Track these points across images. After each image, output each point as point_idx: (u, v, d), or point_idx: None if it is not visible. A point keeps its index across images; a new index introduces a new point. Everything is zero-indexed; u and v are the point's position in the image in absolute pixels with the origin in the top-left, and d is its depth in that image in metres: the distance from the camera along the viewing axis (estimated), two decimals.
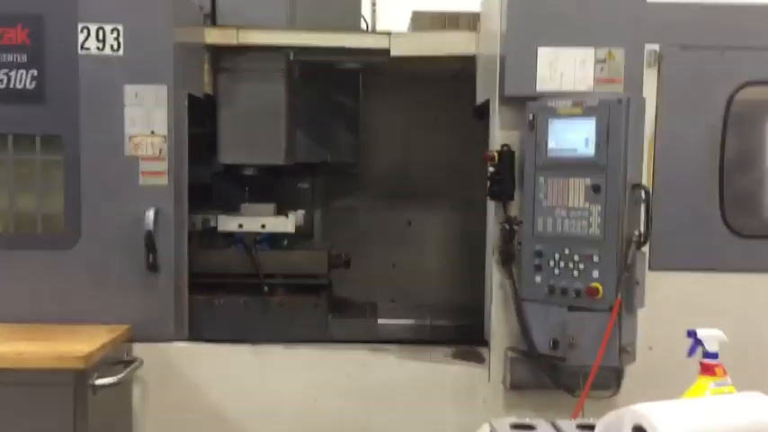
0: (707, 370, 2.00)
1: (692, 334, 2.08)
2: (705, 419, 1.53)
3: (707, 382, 1.97)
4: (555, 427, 1.76)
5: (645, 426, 1.50)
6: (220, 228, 3.70)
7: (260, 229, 3.72)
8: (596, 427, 1.68)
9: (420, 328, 3.81)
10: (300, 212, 3.93)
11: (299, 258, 3.79)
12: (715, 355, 2.02)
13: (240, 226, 3.71)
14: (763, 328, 3.30)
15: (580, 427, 1.74)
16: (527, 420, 1.79)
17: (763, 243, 3.36)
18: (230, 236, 3.72)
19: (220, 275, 3.65)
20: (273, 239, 3.76)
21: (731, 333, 2.69)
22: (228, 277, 3.66)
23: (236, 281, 3.65)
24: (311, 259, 3.80)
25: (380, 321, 3.79)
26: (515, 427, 1.75)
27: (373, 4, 5.50)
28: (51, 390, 2.61)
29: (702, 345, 2.04)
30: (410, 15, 4.38)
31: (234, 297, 3.58)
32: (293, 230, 3.80)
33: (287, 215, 3.80)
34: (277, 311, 3.57)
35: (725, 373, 2.01)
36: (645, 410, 1.51)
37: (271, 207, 3.81)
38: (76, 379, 2.66)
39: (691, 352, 2.08)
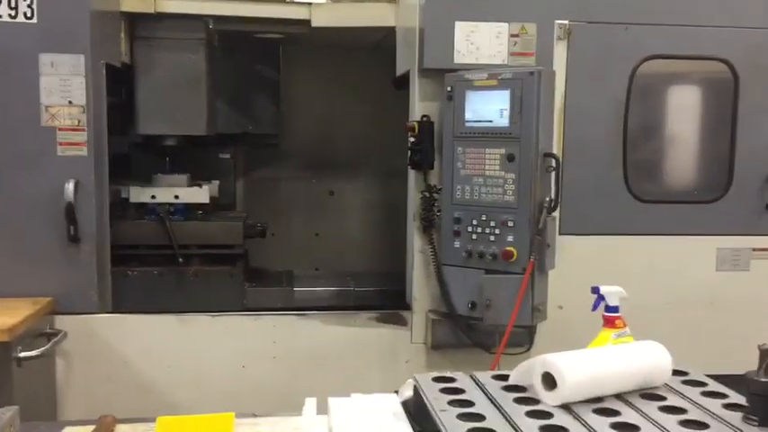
0: (608, 322, 2.18)
1: (595, 290, 2.26)
2: (603, 364, 1.70)
3: (609, 333, 2.15)
4: (473, 378, 1.90)
5: (552, 371, 1.65)
6: (133, 199, 3.66)
7: (173, 200, 3.70)
8: (511, 375, 1.83)
9: (344, 295, 3.91)
10: (215, 183, 3.93)
11: (213, 229, 3.78)
12: (615, 309, 2.20)
13: (153, 197, 3.68)
14: (662, 285, 3.55)
15: (495, 377, 1.88)
16: (447, 374, 1.92)
17: (662, 207, 3.61)
18: (144, 207, 3.69)
19: (135, 246, 3.61)
20: (188, 210, 3.74)
21: (635, 291, 2.93)
22: (143, 248, 3.63)
23: (151, 252, 3.62)
24: (226, 229, 3.80)
25: (296, 289, 3.87)
26: (436, 379, 1.88)
27: None
28: None
29: (604, 299, 2.22)
30: None
31: (149, 268, 3.57)
32: (207, 201, 3.79)
33: (201, 185, 3.80)
34: (193, 281, 3.58)
35: (624, 324, 2.20)
36: (552, 358, 1.67)
37: (184, 178, 3.79)
38: (1, 351, 2.64)
39: (594, 306, 2.27)
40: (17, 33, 3.03)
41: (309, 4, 3.78)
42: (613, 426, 1.57)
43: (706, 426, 1.57)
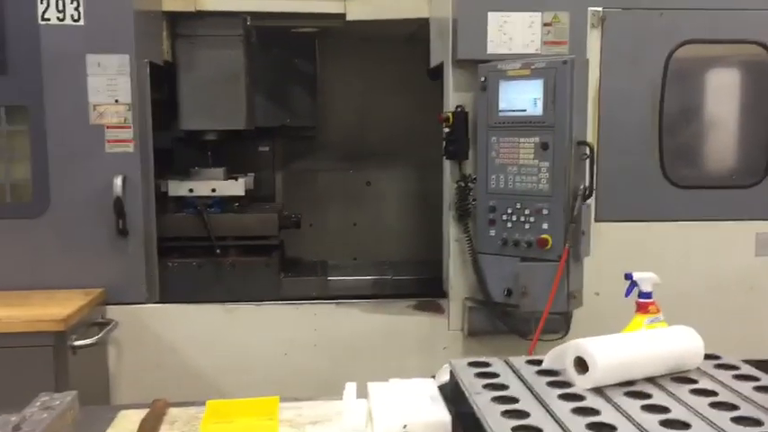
0: (641, 308, 2.22)
1: (628, 276, 2.30)
2: (634, 348, 1.74)
3: (642, 319, 2.19)
4: (507, 363, 1.96)
5: (584, 356, 1.70)
6: (171, 193, 3.79)
7: (210, 194, 3.82)
8: (544, 360, 1.88)
9: (381, 283, 4.00)
10: (251, 176, 4.04)
11: (249, 221, 3.89)
12: (649, 295, 2.24)
13: (191, 191, 3.80)
14: (700, 271, 3.55)
15: (529, 362, 1.93)
16: (482, 359, 1.98)
17: (698, 193, 3.60)
18: (183, 200, 3.80)
19: (175, 239, 3.73)
20: (225, 203, 3.85)
21: (672, 277, 2.95)
22: (183, 240, 3.75)
23: (191, 244, 3.75)
24: (261, 221, 3.90)
25: (331, 278, 3.96)
26: (471, 364, 1.95)
27: None
28: (33, 351, 2.72)
29: (638, 285, 2.25)
30: None
31: (188, 259, 3.70)
32: (242, 193, 3.90)
33: (236, 179, 3.90)
34: (230, 272, 3.69)
35: (658, 310, 2.23)
36: (583, 343, 1.71)
37: (221, 171, 3.91)
38: (56, 340, 2.79)
39: (627, 292, 2.30)
40: (65, 35, 3.17)
41: None
42: (644, 408, 1.61)
43: (736, 407, 1.60)
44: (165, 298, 3.47)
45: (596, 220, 3.49)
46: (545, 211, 3.07)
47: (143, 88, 3.33)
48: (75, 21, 3.16)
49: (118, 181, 3.22)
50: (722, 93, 3.70)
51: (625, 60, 3.48)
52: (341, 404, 1.93)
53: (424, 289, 3.77)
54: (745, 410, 1.60)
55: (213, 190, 3.79)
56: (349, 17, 3.80)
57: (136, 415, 1.96)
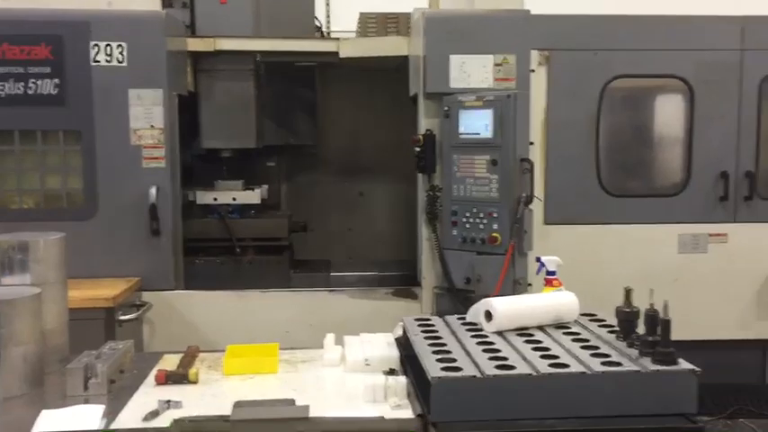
0: (548, 283, 2.94)
1: (538, 259, 3.03)
2: (525, 303, 2.49)
3: (548, 291, 2.91)
4: (443, 319, 2.70)
5: (490, 309, 2.45)
6: (199, 201, 4.53)
7: (231, 201, 4.56)
8: (467, 316, 2.63)
9: (370, 278, 4.73)
10: (265, 187, 4.77)
11: (263, 225, 4.60)
12: (553, 273, 2.95)
13: (215, 199, 4.55)
14: (630, 265, 4.22)
15: (458, 318, 2.67)
16: (425, 316, 2.73)
17: (630, 201, 4.33)
18: (207, 207, 4.55)
19: (201, 240, 4.46)
20: (243, 210, 4.58)
21: (609, 271, 3.62)
22: (208, 241, 4.49)
23: (214, 244, 4.48)
24: (274, 225, 4.63)
25: (332, 274, 4.71)
26: (417, 319, 2.69)
27: (327, 5, 6.35)
28: (88, 323, 3.42)
29: (545, 266, 2.98)
30: (357, 16, 5.23)
31: (212, 257, 4.44)
32: (259, 201, 4.64)
33: (253, 189, 4.65)
34: (248, 268, 4.43)
35: (560, 284, 2.93)
36: (490, 299, 2.47)
37: (239, 183, 4.65)
38: (107, 315, 3.54)
39: (538, 271, 3.04)
40: (112, 74, 3.93)
41: (338, 39, 4.61)
42: (527, 342, 2.36)
43: (587, 340, 2.35)
44: (191, 288, 4.19)
45: (545, 224, 4.23)
46: (495, 214, 3.79)
47: (173, 115, 4.08)
48: (119, 62, 3.93)
49: (152, 191, 3.97)
50: (649, 118, 4.45)
51: (567, 91, 4.22)
52: (323, 350, 2.68)
53: (404, 281, 4.49)
54: (594, 342, 2.35)
55: (234, 199, 4.51)
56: (342, 55, 4.50)
57: (175, 358, 2.71)
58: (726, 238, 4.36)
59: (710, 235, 4.34)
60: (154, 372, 2.50)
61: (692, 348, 2.30)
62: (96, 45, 3.91)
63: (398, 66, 4.68)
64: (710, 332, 4.35)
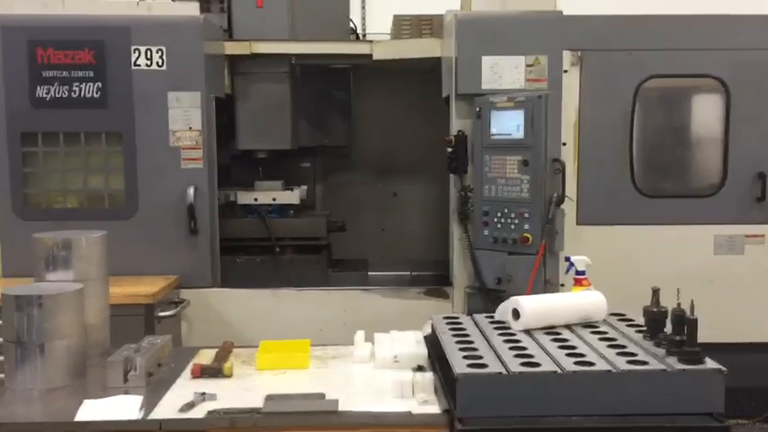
0: (577, 282, 2.95)
1: (567, 259, 3.05)
2: (553, 302, 2.51)
3: (578, 290, 2.92)
4: (471, 317, 2.74)
5: (517, 307, 2.48)
6: (240, 201, 4.63)
7: (271, 202, 4.66)
8: (495, 314, 2.66)
9: (404, 278, 4.79)
10: (303, 187, 4.86)
11: (302, 225, 4.70)
12: (582, 273, 2.97)
13: (255, 199, 4.65)
14: (665, 266, 4.18)
15: (486, 316, 2.71)
16: (453, 314, 2.76)
17: (664, 201, 4.30)
18: (248, 207, 4.66)
19: (241, 239, 4.57)
20: (282, 210, 4.68)
21: (641, 271, 3.60)
22: (248, 241, 4.59)
23: (254, 244, 4.58)
24: (313, 225, 4.72)
25: (370, 273, 4.77)
26: (445, 317, 2.73)
27: (363, 8, 6.44)
28: (128, 319, 3.54)
29: (574, 265, 2.99)
30: (391, 19, 5.29)
31: (252, 256, 4.53)
32: (298, 202, 4.73)
33: (292, 189, 4.74)
34: (287, 268, 4.52)
35: (589, 284, 2.95)
36: (518, 298, 2.50)
37: (279, 183, 4.75)
38: (146, 311, 3.65)
39: (567, 270, 3.05)
40: (151, 78, 4.05)
41: (371, 42, 4.67)
42: (554, 340, 2.38)
43: (614, 339, 2.37)
44: (229, 286, 4.27)
45: (577, 224, 4.23)
46: (526, 215, 3.81)
47: (210, 117, 4.19)
48: (159, 66, 4.05)
49: (191, 191, 4.08)
50: (684, 118, 4.41)
51: (600, 92, 4.21)
52: (353, 346, 2.74)
53: (436, 281, 4.53)
54: (622, 341, 2.36)
55: (274, 199, 4.61)
56: (375, 57, 4.57)
57: (210, 352, 2.80)
58: (763, 239, 4.31)
59: (747, 236, 4.29)
60: (190, 366, 2.59)
61: (728, 351, 2.31)
62: (137, 49, 4.03)
63: (431, 67, 4.72)
64: (747, 335, 4.31)
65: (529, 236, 3.79)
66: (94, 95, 4.03)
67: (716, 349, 2.25)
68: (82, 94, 4.03)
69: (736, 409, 4.35)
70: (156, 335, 2.95)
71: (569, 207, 4.01)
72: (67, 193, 4.17)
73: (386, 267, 4.99)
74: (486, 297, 4.03)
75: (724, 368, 2.13)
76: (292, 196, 4.71)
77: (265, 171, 4.88)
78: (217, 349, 2.81)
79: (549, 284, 3.82)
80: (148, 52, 4.03)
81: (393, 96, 5.40)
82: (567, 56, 4.11)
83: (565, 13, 4.06)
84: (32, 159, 4.11)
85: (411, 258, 5.20)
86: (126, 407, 2.16)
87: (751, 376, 4.34)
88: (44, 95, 4.01)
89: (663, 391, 2.10)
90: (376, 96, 5.43)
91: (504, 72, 3.99)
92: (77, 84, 4.02)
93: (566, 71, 4.10)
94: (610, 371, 2.11)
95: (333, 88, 5.31)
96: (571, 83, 4.17)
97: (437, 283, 4.47)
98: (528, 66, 3.98)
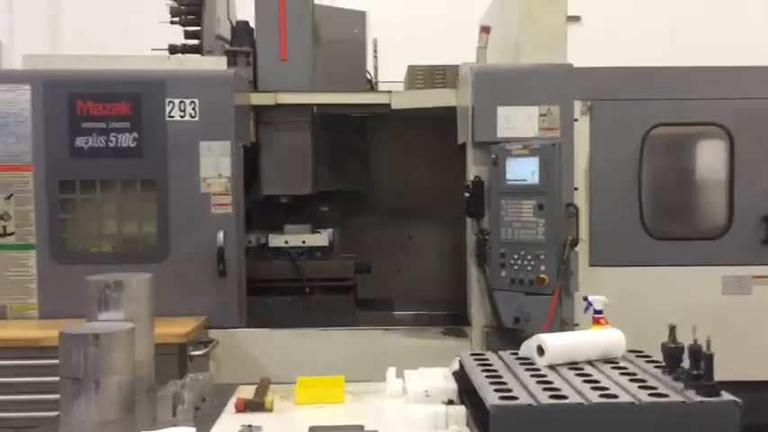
0: (595, 321, 3.11)
1: (585, 298, 3.21)
2: (575, 339, 2.67)
3: (596, 329, 3.08)
4: (497, 354, 2.89)
5: (541, 344, 2.64)
6: (271, 244, 4.81)
7: (301, 244, 4.84)
8: (520, 351, 2.82)
9: (423, 317, 4.95)
10: (330, 230, 5.05)
11: (331, 266, 4.88)
12: (600, 312, 3.13)
13: (286, 242, 4.84)
14: (674, 307, 4.31)
15: (511, 353, 2.86)
16: (480, 352, 2.92)
17: (673, 243, 4.47)
18: (277, 249, 4.81)
19: (272, 280, 4.74)
20: (310, 252, 4.83)
21: (651, 312, 3.74)
22: (278, 282, 4.76)
23: (285, 285, 4.74)
24: (341, 266, 4.90)
25: (395, 313, 4.93)
26: (473, 354, 2.89)
27: (375, 58, 6.69)
28: (162, 358, 3.66)
29: (592, 305, 3.15)
30: (405, 69, 5.55)
31: (282, 297, 4.70)
32: (327, 244, 4.91)
33: (320, 233, 4.93)
34: (315, 308, 4.69)
35: (607, 322, 3.10)
36: (542, 335, 2.66)
37: (308, 227, 4.94)
38: (180, 350, 3.81)
39: (585, 309, 3.21)
40: (185, 128, 4.27)
41: (389, 92, 4.91)
42: (578, 375, 2.54)
43: (635, 374, 2.52)
44: (257, 326, 4.43)
45: (590, 265, 4.39)
46: (542, 257, 3.98)
47: (238, 165, 4.39)
48: (192, 117, 4.27)
49: (220, 235, 4.27)
50: (690, 163, 4.62)
51: (609, 139, 4.40)
52: (385, 383, 2.89)
53: (452, 320, 4.69)
54: (641, 375, 2.51)
55: (303, 241, 4.80)
56: (393, 106, 4.79)
57: (249, 388, 2.95)
58: None
59: (754, 277, 4.44)
60: (233, 400, 2.74)
61: (736, 389, 2.38)
62: (171, 102, 4.26)
63: (445, 115, 4.91)
64: (756, 373, 4.42)
65: (545, 277, 3.96)
66: (130, 145, 4.25)
67: (725, 387, 2.36)
68: (118, 144, 4.24)
69: None
70: (189, 373, 3.10)
71: (582, 249, 4.18)
72: (103, 238, 4.36)
73: (402, 307, 5.16)
74: (504, 336, 4.17)
75: (739, 400, 2.28)
76: (321, 239, 4.90)
77: (287, 215, 5.05)
78: (253, 386, 2.96)
79: (565, 324, 3.97)
80: (182, 104, 4.26)
81: (407, 143, 5.60)
82: (577, 105, 4.33)
83: (575, 66, 4.30)
84: (70, 206, 4.31)
85: (425, 298, 5.37)
86: None
87: (759, 414, 4.45)
88: (83, 145, 4.23)
89: (682, 422, 2.25)
90: (392, 143, 5.62)
91: (518, 121, 4.21)
92: (114, 134, 4.24)
93: (576, 120, 4.32)
94: (633, 403, 2.26)
95: (351, 136, 5.53)
96: (582, 131, 4.38)
97: (452, 323, 4.62)
98: (541, 115, 4.20)
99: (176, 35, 5.02)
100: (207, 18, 4.86)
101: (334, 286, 4.77)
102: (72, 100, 4.22)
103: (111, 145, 4.24)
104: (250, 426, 2.43)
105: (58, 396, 2.70)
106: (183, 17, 4.98)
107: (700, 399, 2.28)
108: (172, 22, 5.02)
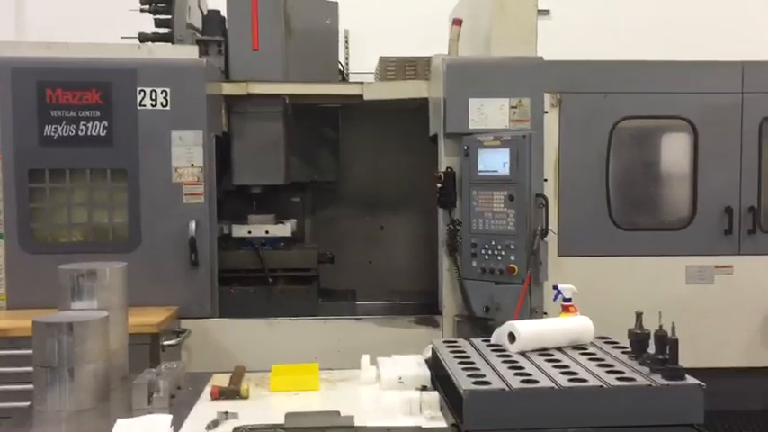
0: (564, 309, 3.19)
1: (555, 287, 3.28)
2: (545, 326, 2.74)
3: (565, 317, 3.15)
4: (469, 341, 2.95)
5: (513, 330, 2.69)
6: (234, 234, 4.80)
7: (264, 235, 4.84)
8: (491, 338, 2.88)
9: (392, 306, 4.99)
10: (294, 221, 5.06)
11: (294, 256, 4.88)
12: (569, 300, 3.20)
13: (249, 232, 4.83)
14: (640, 295, 4.41)
15: (483, 340, 2.92)
16: (452, 339, 2.97)
17: (639, 234, 4.57)
18: (242, 240, 4.82)
19: (235, 270, 4.73)
20: (274, 242, 4.84)
21: (617, 300, 3.85)
22: (241, 272, 4.76)
23: (247, 275, 4.74)
24: (304, 257, 4.91)
25: (358, 303, 4.96)
26: (445, 341, 2.94)
27: (346, 48, 6.71)
28: (135, 348, 3.65)
29: (561, 293, 3.23)
30: (377, 60, 5.57)
31: (246, 287, 4.69)
32: (290, 234, 4.92)
33: (284, 223, 4.93)
34: (279, 298, 4.69)
35: (576, 310, 3.18)
36: (513, 322, 2.71)
37: (271, 217, 4.94)
38: (152, 340, 3.80)
39: (554, 298, 3.28)
40: (156, 117, 4.24)
41: (362, 83, 4.93)
42: (548, 361, 2.60)
43: (603, 359, 2.59)
44: (225, 316, 4.45)
45: (559, 255, 4.47)
46: (512, 247, 4.05)
47: (210, 155, 4.37)
48: (163, 106, 4.24)
49: (192, 225, 4.25)
50: (656, 156, 4.73)
51: (578, 131, 4.49)
52: (359, 371, 2.92)
53: (424, 310, 4.74)
54: (609, 361, 2.59)
55: (266, 232, 4.79)
56: (366, 97, 4.81)
57: (224, 377, 2.95)
58: (731, 270, 4.58)
59: (716, 267, 4.56)
60: (207, 388, 2.75)
61: (699, 376, 2.44)
62: (142, 91, 4.23)
63: (417, 107, 4.96)
64: (718, 360, 4.55)
65: (515, 266, 4.03)
66: (101, 134, 4.21)
67: (689, 373, 2.43)
68: (89, 133, 4.20)
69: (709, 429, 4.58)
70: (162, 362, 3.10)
71: (551, 239, 4.26)
72: (73, 228, 4.31)
73: (373, 297, 5.20)
74: (475, 325, 4.23)
75: (703, 383, 2.36)
76: (284, 229, 4.89)
77: (258, 205, 5.05)
78: (227, 374, 2.96)
79: (534, 313, 4.05)
80: (153, 93, 4.23)
81: (379, 133, 5.63)
82: (547, 98, 4.40)
83: (545, 59, 4.37)
84: (39, 195, 4.25)
85: (396, 289, 5.42)
86: (157, 425, 2.31)
87: (722, 400, 4.59)
88: (52, 134, 4.18)
89: (649, 404, 2.33)
90: (364, 134, 5.65)
91: (489, 113, 4.27)
92: (84, 123, 4.19)
93: (546, 112, 4.39)
94: (601, 386, 2.33)
95: (323, 126, 5.55)
96: (551, 123, 4.45)
97: (424, 312, 4.67)
98: (512, 107, 4.26)
99: (146, 23, 4.97)
100: (178, 6, 4.82)
101: (296, 276, 4.78)
102: (41, 88, 4.17)
103: (81, 134, 4.20)
104: (226, 413, 2.44)
105: (29, 386, 2.70)
106: (153, 5, 4.93)
107: (665, 382, 2.36)
108: (142, 11, 4.96)
